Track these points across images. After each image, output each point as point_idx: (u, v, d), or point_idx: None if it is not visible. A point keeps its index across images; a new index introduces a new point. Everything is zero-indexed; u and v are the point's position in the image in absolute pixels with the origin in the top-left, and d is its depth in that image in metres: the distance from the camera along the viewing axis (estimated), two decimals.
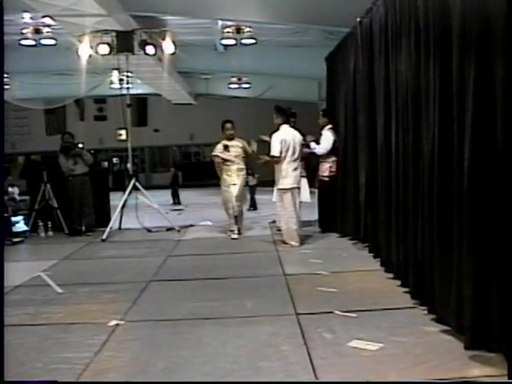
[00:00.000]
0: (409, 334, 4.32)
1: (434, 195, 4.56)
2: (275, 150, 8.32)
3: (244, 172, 9.55)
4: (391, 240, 6.10)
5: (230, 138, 9.50)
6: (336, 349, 4.10)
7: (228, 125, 9.58)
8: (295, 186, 8.44)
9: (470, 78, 3.85)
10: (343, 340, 4.24)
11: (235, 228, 9.44)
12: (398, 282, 5.72)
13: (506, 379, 3.38)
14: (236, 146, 9.47)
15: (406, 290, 5.42)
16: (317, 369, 3.73)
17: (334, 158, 9.28)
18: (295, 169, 8.42)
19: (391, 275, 6.06)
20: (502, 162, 3.53)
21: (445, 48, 4.35)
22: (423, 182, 4.87)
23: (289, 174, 8.35)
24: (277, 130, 8.50)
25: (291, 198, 8.37)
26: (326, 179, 9.34)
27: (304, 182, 9.26)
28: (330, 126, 9.41)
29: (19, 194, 11.76)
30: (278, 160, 8.31)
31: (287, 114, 8.82)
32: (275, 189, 8.74)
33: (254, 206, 13.74)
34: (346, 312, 4.89)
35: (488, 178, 3.69)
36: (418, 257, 5.00)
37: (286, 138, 8.35)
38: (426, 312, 4.73)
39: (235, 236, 9.40)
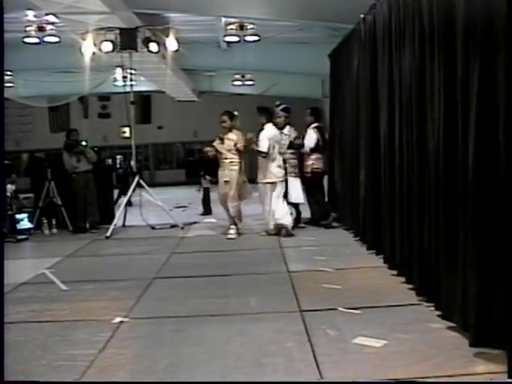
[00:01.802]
0: (413, 330, 4.31)
1: (439, 191, 4.55)
2: (264, 146, 8.88)
3: (237, 167, 9.08)
4: (395, 237, 6.09)
5: (228, 130, 9.14)
6: (340, 346, 4.09)
7: (222, 117, 9.19)
8: (277, 180, 9.00)
9: (475, 74, 3.84)
10: (347, 337, 4.23)
11: (231, 227, 9.22)
12: (402, 279, 5.71)
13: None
14: (230, 139, 9.10)
15: (411, 286, 5.41)
16: (321, 365, 3.72)
17: (317, 156, 9.56)
18: (279, 165, 9.04)
19: (395, 272, 6.05)
20: (506, 158, 3.52)
21: (449, 44, 4.33)
22: (428, 178, 4.85)
23: (273, 170, 8.96)
24: (261, 129, 9.03)
25: (270, 192, 8.95)
26: (309, 175, 9.54)
27: (296, 183, 9.32)
28: (315, 124, 9.69)
29: (23, 192, 11.80)
30: (265, 155, 8.91)
31: (270, 113, 9.25)
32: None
33: (208, 210, 12.68)
34: (351, 309, 4.88)
35: (493, 175, 3.67)
36: (424, 254, 4.99)
37: (272, 136, 8.96)
38: (431, 309, 4.73)
39: (230, 236, 9.12)
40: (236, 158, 9.11)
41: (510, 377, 3.35)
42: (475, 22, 3.85)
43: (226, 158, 9.12)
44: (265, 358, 3.93)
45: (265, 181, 9.03)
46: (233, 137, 9.11)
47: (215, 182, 10.48)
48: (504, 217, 3.56)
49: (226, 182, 9.12)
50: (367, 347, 4.02)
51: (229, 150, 9.10)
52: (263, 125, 9.07)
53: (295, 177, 9.32)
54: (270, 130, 9.02)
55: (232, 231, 9.21)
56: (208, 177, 13.07)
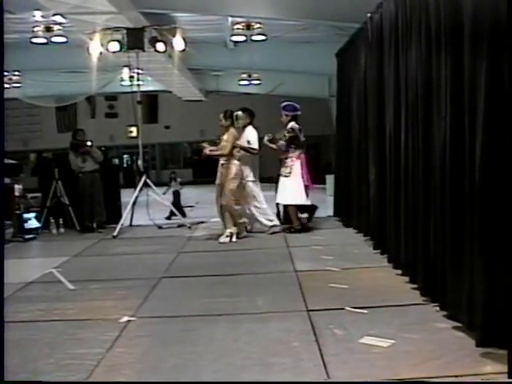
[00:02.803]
0: (420, 330, 4.30)
1: (445, 191, 4.54)
2: (256, 144, 9.10)
3: (231, 169, 8.67)
4: (400, 237, 6.08)
5: (225, 129, 8.79)
6: (347, 345, 4.09)
7: (219, 115, 8.89)
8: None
9: (482, 72, 3.83)
10: (354, 336, 4.23)
11: (224, 231, 8.75)
12: (406, 279, 5.71)
13: None
14: (223, 140, 8.79)
15: (415, 286, 5.40)
16: (328, 365, 3.72)
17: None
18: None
19: (399, 271, 6.05)
20: None
21: (456, 43, 4.32)
22: (434, 177, 4.84)
23: (256, 170, 9.30)
24: (243, 130, 9.14)
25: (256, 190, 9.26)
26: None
27: (293, 183, 9.13)
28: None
29: (30, 191, 11.85)
30: (257, 153, 9.18)
31: (253, 115, 9.38)
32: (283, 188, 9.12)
33: (181, 212, 11.89)
34: (358, 308, 4.88)
35: (500, 174, 3.66)
36: (429, 254, 4.98)
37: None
38: (437, 309, 4.72)
39: (220, 240, 8.63)
40: (226, 161, 8.74)
41: (510, 377, 3.35)
42: (482, 19, 3.84)
43: (220, 160, 8.82)
44: (272, 357, 3.93)
45: (254, 179, 9.23)
46: (224, 137, 8.79)
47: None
48: (511, 216, 3.55)
49: (219, 184, 8.80)
50: (374, 347, 4.02)
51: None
52: (245, 126, 9.14)
53: (290, 177, 9.10)
54: (252, 131, 9.17)
55: (223, 234, 8.73)
56: (179, 179, 12.86)
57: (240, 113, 9.13)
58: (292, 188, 9.10)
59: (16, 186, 10.94)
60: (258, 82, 20.89)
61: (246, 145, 9.04)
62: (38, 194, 11.42)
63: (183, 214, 11.93)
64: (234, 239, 8.63)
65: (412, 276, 5.58)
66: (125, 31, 10.57)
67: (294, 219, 9.19)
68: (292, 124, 9.18)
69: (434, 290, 4.89)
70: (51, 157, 26.62)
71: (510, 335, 3.43)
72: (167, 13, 12.38)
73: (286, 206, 9.35)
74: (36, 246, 9.68)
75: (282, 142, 9.13)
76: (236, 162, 8.75)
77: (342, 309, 4.91)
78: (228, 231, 8.67)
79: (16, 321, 4.95)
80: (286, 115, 9.29)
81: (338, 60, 10.87)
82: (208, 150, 8.98)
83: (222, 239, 8.63)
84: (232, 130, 8.78)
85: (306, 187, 9.14)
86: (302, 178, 9.09)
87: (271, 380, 3.61)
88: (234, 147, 8.73)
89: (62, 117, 29.32)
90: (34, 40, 14.03)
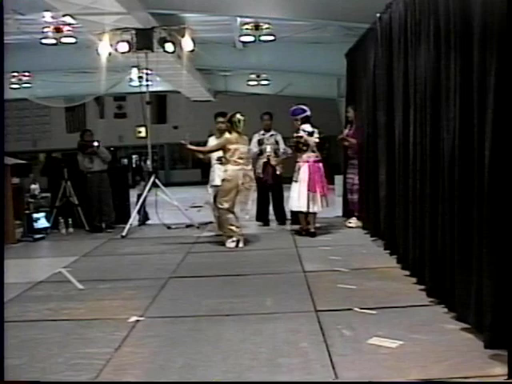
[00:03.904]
0: (429, 331, 4.29)
1: (453, 191, 4.52)
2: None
3: (227, 173, 8.25)
4: (408, 237, 6.06)
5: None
6: (355, 346, 4.09)
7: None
8: None
9: (492, 72, 3.81)
10: (363, 337, 4.22)
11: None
12: (414, 280, 5.70)
13: None
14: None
15: (422, 287, 5.38)
16: (336, 366, 3.72)
17: None
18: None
19: (407, 272, 6.03)
20: None
21: (465, 42, 4.31)
22: (443, 178, 4.83)
23: None
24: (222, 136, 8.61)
25: None
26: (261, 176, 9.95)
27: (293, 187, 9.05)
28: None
29: (40, 191, 11.90)
30: None
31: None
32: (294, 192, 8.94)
33: (145, 217, 11.34)
34: (366, 309, 4.87)
35: (509, 176, 3.64)
36: (437, 255, 4.96)
37: None
38: (445, 310, 4.70)
39: (227, 244, 8.32)
40: (226, 164, 8.32)
41: (510, 377, 3.33)
42: (492, 20, 3.82)
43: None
44: (280, 357, 3.93)
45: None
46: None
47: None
48: None
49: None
50: (382, 348, 4.01)
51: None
52: (222, 133, 8.67)
53: (296, 182, 8.99)
54: None
55: (229, 240, 8.35)
56: (143, 182, 12.15)
57: (239, 115, 8.41)
58: (293, 193, 8.97)
59: (33, 186, 11.02)
60: (266, 82, 20.90)
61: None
62: (48, 194, 11.47)
63: (146, 218, 11.43)
64: (240, 245, 8.30)
65: (419, 277, 5.56)
66: (134, 32, 10.60)
67: (302, 221, 9.13)
68: (303, 127, 9.04)
69: (441, 291, 4.88)
70: (60, 157, 26.72)
71: (509, 336, 3.42)
72: (176, 13, 12.40)
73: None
74: (45, 246, 9.72)
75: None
76: (230, 166, 8.25)
77: (351, 309, 4.91)
78: (235, 235, 8.34)
79: (25, 320, 4.98)
80: (296, 120, 9.20)
81: (347, 60, 10.86)
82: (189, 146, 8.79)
83: (229, 244, 8.32)
84: (231, 135, 8.30)
85: (323, 195, 8.87)
86: (308, 184, 8.76)
87: (279, 380, 3.61)
88: (224, 150, 8.30)
89: (71, 117, 29.40)
90: (44, 41, 14.10)
